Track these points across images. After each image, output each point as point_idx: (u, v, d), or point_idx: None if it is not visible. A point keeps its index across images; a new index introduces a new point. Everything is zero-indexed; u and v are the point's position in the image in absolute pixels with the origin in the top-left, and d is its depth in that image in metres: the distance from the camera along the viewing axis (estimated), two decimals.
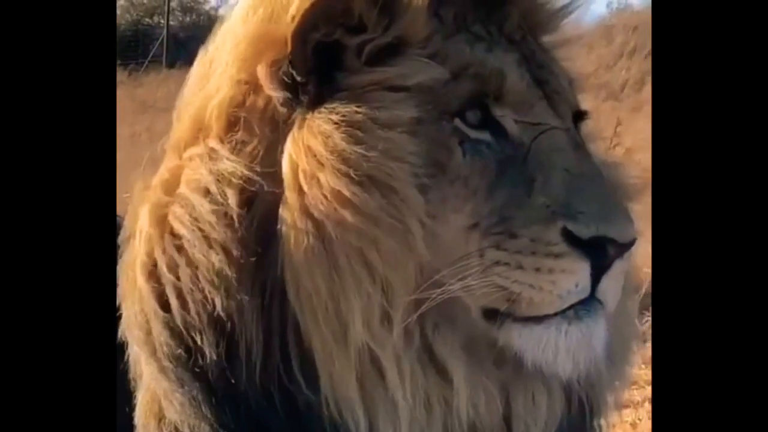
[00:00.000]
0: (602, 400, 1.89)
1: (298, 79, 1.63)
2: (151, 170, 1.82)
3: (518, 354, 1.65)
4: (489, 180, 1.63)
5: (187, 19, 30.15)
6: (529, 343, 1.63)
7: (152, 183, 1.77)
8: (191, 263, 1.64)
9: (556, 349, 1.62)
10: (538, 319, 1.62)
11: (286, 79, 1.64)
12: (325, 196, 1.56)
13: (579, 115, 1.85)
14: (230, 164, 1.63)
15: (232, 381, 1.61)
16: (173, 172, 1.74)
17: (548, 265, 1.59)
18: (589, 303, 1.63)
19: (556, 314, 1.62)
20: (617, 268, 1.64)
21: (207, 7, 31.20)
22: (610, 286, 1.64)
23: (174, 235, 1.67)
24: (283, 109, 1.65)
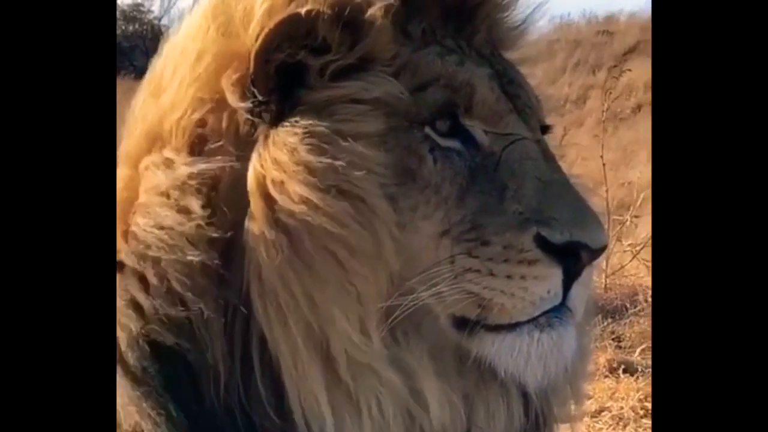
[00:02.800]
0: (557, 413, 1.91)
1: (260, 98, 1.62)
2: None
3: (492, 363, 1.65)
4: (460, 187, 1.64)
5: (130, 28, 29.91)
6: (502, 350, 1.63)
7: None
8: (159, 272, 1.61)
9: (528, 356, 1.62)
10: (510, 327, 1.63)
11: (248, 95, 1.63)
12: (296, 204, 1.55)
13: (543, 129, 1.87)
14: (187, 169, 1.62)
15: (200, 397, 1.60)
16: (127, 183, 1.72)
17: (521, 272, 1.60)
18: (560, 310, 1.64)
19: (528, 321, 1.62)
20: (586, 276, 1.66)
21: (150, 16, 31.03)
22: (580, 293, 1.66)
23: (140, 243, 1.65)
24: (246, 126, 1.64)
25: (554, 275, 1.61)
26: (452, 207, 1.63)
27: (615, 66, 8.57)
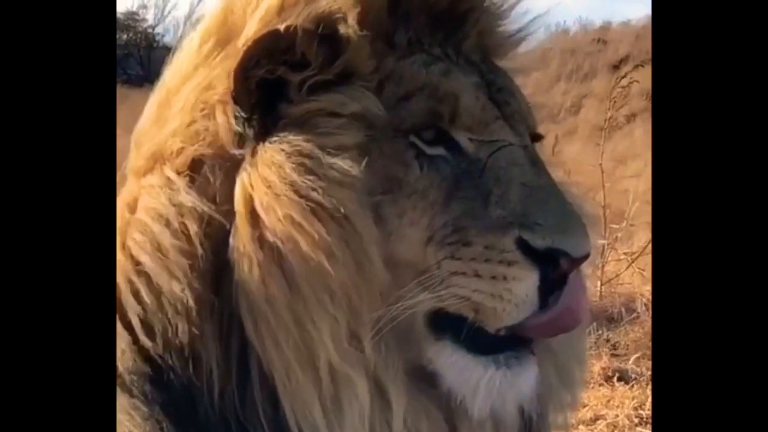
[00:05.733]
0: (552, 420, 1.91)
1: (242, 114, 1.63)
2: None
3: (437, 374, 1.66)
4: (446, 193, 1.64)
5: (124, 37, 29.94)
6: (453, 368, 1.65)
7: (117, 205, 1.76)
8: (153, 290, 1.62)
9: (476, 387, 1.63)
10: (471, 348, 1.63)
11: (236, 113, 1.63)
12: (283, 224, 1.55)
13: (534, 138, 1.86)
14: (188, 198, 1.62)
15: (194, 406, 1.60)
16: (134, 196, 1.73)
17: (503, 273, 1.60)
18: (518, 348, 1.65)
19: (488, 353, 1.63)
20: (575, 283, 1.65)
21: (144, 25, 31.05)
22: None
23: (134, 260, 1.65)
24: (233, 144, 1.64)
25: (530, 278, 1.60)
26: (438, 213, 1.63)
27: (624, 76, 8.48)
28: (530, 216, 1.60)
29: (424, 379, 1.68)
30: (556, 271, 1.61)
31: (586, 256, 1.64)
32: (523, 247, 1.59)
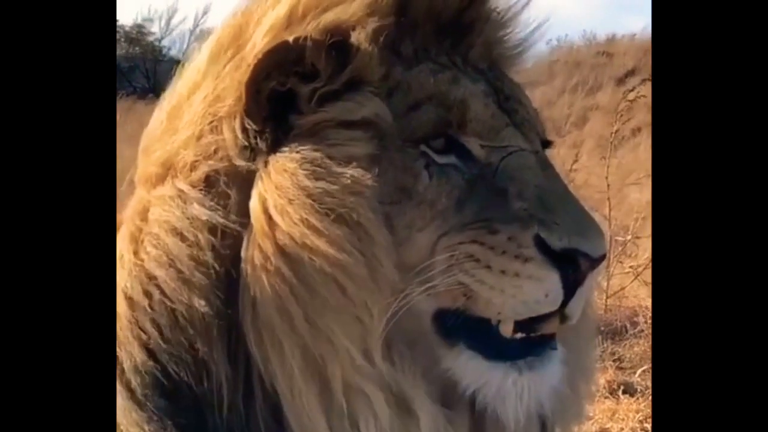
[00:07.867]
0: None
1: (254, 128, 1.63)
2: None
3: (458, 383, 1.66)
4: (456, 201, 1.64)
5: (132, 50, 30.02)
6: (473, 377, 1.65)
7: (128, 213, 1.76)
8: (168, 304, 1.61)
9: (504, 394, 1.64)
10: (489, 354, 1.64)
11: (245, 125, 1.64)
12: (298, 227, 1.55)
13: (544, 144, 1.87)
14: (201, 210, 1.63)
15: (203, 419, 1.60)
16: (144, 205, 1.73)
17: (515, 269, 1.59)
18: (541, 349, 1.66)
19: (507, 359, 1.63)
20: (589, 283, 1.65)
21: (150, 38, 31.13)
22: (579, 301, 1.65)
23: (149, 274, 1.65)
24: (243, 158, 1.64)
25: (549, 278, 1.60)
26: (449, 218, 1.63)
27: (631, 90, 8.40)
28: (548, 214, 1.60)
29: (445, 388, 1.68)
30: (576, 272, 1.61)
31: (604, 257, 1.64)
32: (541, 245, 1.59)
